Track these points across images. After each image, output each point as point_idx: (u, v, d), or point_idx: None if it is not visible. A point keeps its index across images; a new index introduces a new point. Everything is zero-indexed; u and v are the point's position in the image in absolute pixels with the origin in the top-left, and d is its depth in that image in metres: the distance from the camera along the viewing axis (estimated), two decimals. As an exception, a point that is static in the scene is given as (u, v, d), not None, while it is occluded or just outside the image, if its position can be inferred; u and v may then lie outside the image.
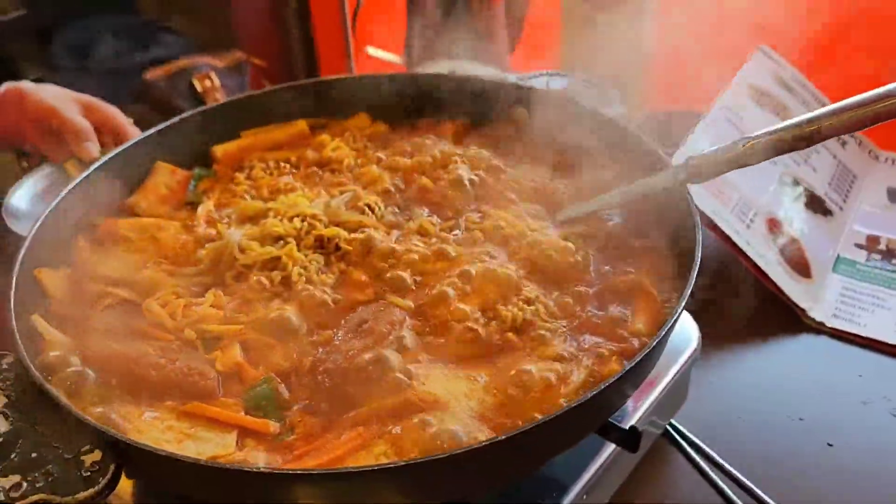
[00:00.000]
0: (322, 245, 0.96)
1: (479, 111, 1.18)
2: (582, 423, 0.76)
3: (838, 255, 1.36)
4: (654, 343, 0.72)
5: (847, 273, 1.32)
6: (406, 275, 0.90)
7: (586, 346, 0.82)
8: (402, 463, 0.64)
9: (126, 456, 0.68)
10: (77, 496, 0.64)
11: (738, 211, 1.30)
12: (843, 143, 1.56)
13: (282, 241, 0.95)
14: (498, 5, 1.72)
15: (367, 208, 1.01)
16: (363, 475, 0.63)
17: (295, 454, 0.73)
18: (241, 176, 1.12)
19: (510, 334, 0.83)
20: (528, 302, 0.86)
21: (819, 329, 1.22)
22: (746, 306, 1.25)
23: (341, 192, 1.04)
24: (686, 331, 1.05)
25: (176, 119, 1.15)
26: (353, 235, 0.96)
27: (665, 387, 0.98)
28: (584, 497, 0.88)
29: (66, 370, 0.80)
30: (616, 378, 0.71)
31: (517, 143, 1.13)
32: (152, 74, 2.31)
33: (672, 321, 0.74)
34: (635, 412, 0.93)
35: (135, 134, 1.28)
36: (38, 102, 1.23)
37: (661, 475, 1.03)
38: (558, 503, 0.86)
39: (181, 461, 0.64)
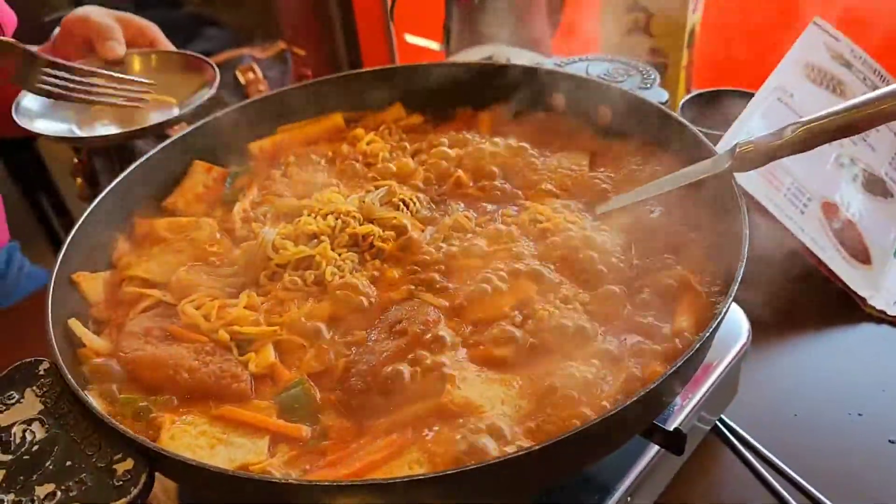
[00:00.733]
0: (357, 243, 0.94)
1: (516, 99, 1.15)
2: (623, 429, 0.73)
3: (900, 240, 1.29)
4: (698, 345, 0.68)
5: (910, 258, 1.25)
6: (442, 272, 0.88)
7: (627, 347, 0.78)
8: (434, 475, 0.62)
9: (158, 464, 0.67)
10: (109, 506, 0.64)
11: (791, 196, 1.24)
12: (905, 120, 1.48)
13: (316, 240, 0.94)
14: (537, -13, 1.67)
15: (401, 203, 0.99)
16: (394, 487, 0.61)
17: (328, 460, 0.71)
18: (276, 173, 1.11)
19: (546, 334, 0.80)
20: (566, 301, 0.83)
21: (880, 318, 1.16)
22: (801, 296, 1.19)
23: (376, 188, 1.02)
24: (735, 324, 1.01)
25: (210, 117, 1.14)
26: (387, 233, 0.94)
27: (713, 383, 0.94)
28: (629, 499, 0.86)
29: (106, 376, 0.80)
30: (657, 383, 0.67)
31: (555, 131, 1.09)
32: (195, 68, 2.33)
33: (717, 321, 0.71)
34: (681, 411, 0.89)
35: (168, 46, 1.31)
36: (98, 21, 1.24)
37: (711, 473, 0.99)
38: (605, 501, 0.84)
39: (209, 471, 0.64)
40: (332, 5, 2.69)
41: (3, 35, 1.32)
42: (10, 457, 0.68)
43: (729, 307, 0.72)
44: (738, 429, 1.03)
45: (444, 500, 0.66)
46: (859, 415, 1.03)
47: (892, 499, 0.93)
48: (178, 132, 1.15)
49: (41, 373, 0.75)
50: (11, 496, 0.65)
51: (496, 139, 1.08)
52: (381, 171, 1.08)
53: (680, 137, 0.97)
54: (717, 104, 1.47)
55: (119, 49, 1.23)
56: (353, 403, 0.77)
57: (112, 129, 1.17)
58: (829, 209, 1.28)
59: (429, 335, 0.80)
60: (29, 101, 1.19)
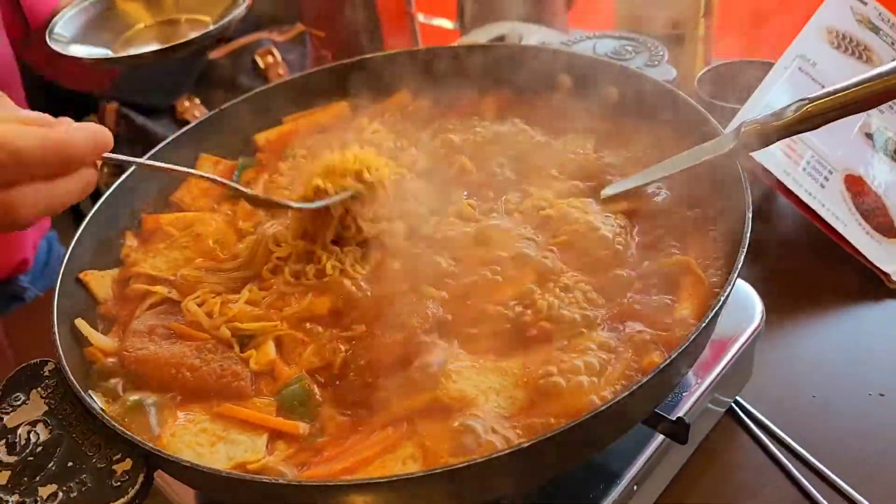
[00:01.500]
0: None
1: (521, 81, 1.13)
2: (622, 419, 0.73)
3: (928, 212, 1.24)
4: (693, 336, 0.67)
5: (938, 232, 1.21)
6: (442, 261, 0.87)
7: (627, 335, 0.77)
8: (422, 473, 0.62)
9: (156, 464, 0.68)
10: (107, 507, 0.66)
11: (810, 169, 1.20)
12: (936, 85, 1.42)
13: (319, 232, 0.93)
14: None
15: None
16: (396, 484, 0.61)
17: (324, 456, 0.72)
18: (283, 165, 1.11)
19: (545, 323, 0.79)
20: (566, 289, 0.81)
21: (904, 294, 1.13)
22: (821, 274, 1.16)
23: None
24: (748, 305, 0.98)
25: (216, 110, 1.14)
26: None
27: (725, 366, 0.92)
28: (635, 488, 0.85)
29: (111, 376, 0.82)
30: (652, 374, 0.66)
31: (561, 113, 1.07)
32: (215, 54, 2.34)
33: (714, 311, 0.69)
34: (690, 396, 0.88)
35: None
36: None
37: (725, 456, 0.98)
38: (610, 490, 0.84)
39: (203, 470, 0.64)
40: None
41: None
42: (15, 458, 0.70)
43: (728, 295, 0.70)
44: (753, 411, 1.01)
45: (443, 496, 0.67)
46: (881, 395, 1.00)
47: (916, 482, 0.91)
48: (193, 121, 1.15)
49: (46, 374, 0.77)
50: (16, 497, 0.67)
51: (501, 124, 1.07)
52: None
53: (686, 116, 0.94)
54: (737, 76, 1.43)
55: None
56: (350, 399, 0.77)
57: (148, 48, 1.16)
58: (853, 182, 1.23)
59: (426, 328, 0.80)
60: (62, 26, 1.18)
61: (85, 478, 0.68)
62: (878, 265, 1.14)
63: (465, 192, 0.99)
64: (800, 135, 1.19)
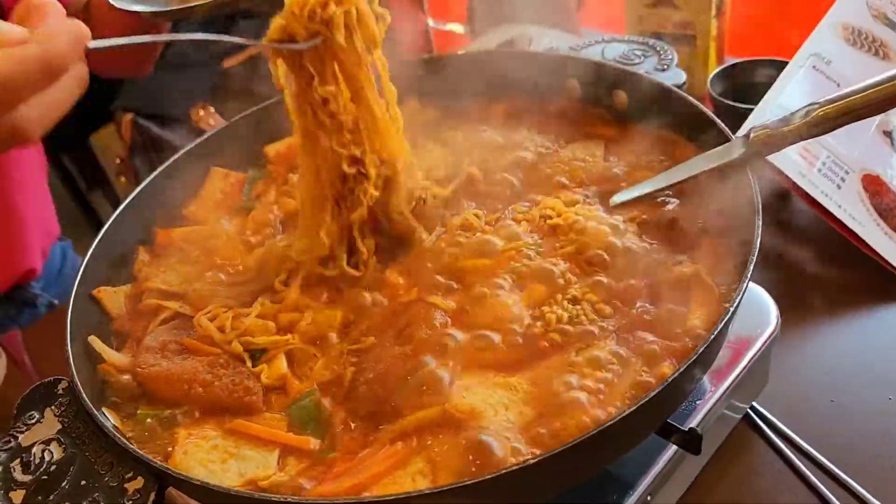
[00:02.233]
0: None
1: (530, 86, 1.12)
2: (633, 432, 0.72)
3: (948, 211, 1.22)
4: (702, 349, 0.66)
5: (958, 232, 1.19)
6: (449, 273, 0.87)
7: (637, 346, 0.76)
8: (431, 490, 0.62)
9: (167, 482, 0.69)
10: (119, 526, 0.66)
11: (826, 170, 1.18)
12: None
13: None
14: (560, -38, 1.63)
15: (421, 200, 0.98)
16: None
17: (334, 472, 0.72)
18: (293, 177, 1.11)
19: (555, 335, 0.79)
20: (575, 300, 0.81)
21: (924, 296, 1.11)
22: (838, 276, 1.14)
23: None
24: (763, 310, 0.97)
25: (226, 123, 1.15)
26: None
27: (740, 373, 0.92)
28: (649, 498, 0.84)
29: (124, 392, 0.83)
30: (663, 386, 0.66)
31: (570, 119, 1.07)
32: (230, 62, 2.35)
33: (723, 322, 0.68)
34: (704, 405, 0.88)
35: None
36: None
37: (742, 463, 0.97)
38: (623, 500, 0.83)
39: (214, 489, 0.65)
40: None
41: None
42: (30, 477, 0.71)
43: (738, 307, 0.69)
44: (770, 417, 1.00)
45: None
46: (898, 399, 0.99)
47: (936, 489, 0.89)
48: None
49: (60, 392, 0.78)
50: (30, 516, 0.68)
51: (508, 132, 1.06)
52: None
53: (696, 121, 0.93)
54: (750, 75, 1.42)
55: None
56: (360, 412, 0.77)
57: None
58: (871, 181, 1.22)
59: (435, 340, 0.80)
60: None
61: (97, 496, 0.68)
62: (896, 266, 1.13)
63: (473, 204, 0.98)
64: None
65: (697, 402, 0.88)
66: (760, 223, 0.76)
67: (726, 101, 1.30)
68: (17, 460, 0.72)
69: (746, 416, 1.00)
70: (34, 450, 0.73)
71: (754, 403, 1.00)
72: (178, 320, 0.92)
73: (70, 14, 0.69)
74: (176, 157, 1.10)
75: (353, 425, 0.77)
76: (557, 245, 0.88)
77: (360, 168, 0.89)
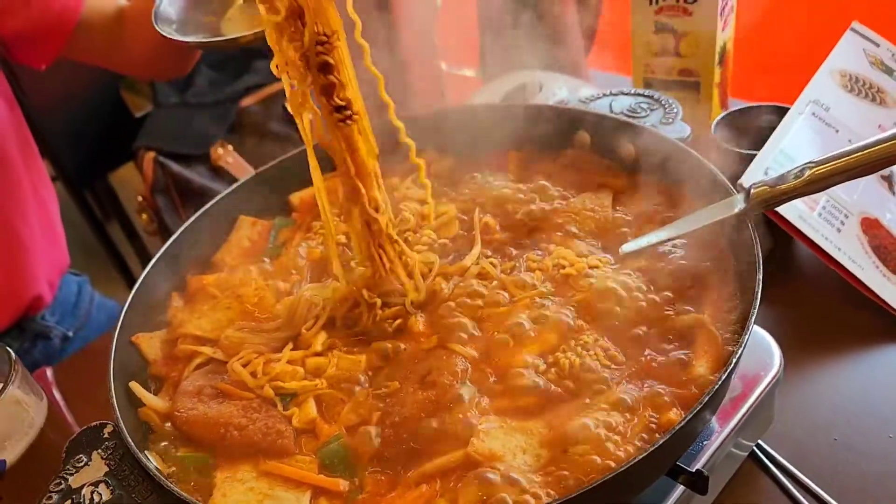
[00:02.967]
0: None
1: (542, 137, 1.18)
2: (642, 475, 0.77)
3: (946, 254, 1.27)
4: (705, 399, 0.71)
5: (956, 273, 1.23)
6: (467, 321, 0.93)
7: (645, 394, 0.81)
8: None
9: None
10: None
11: (826, 214, 1.23)
12: (950, 125, 1.44)
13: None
14: (569, 11, 1.69)
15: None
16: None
17: (363, 513, 0.77)
18: (317, 224, 1.16)
19: (569, 382, 0.84)
20: (587, 347, 0.86)
21: (923, 337, 1.15)
22: (839, 318, 1.19)
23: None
24: (766, 353, 1.01)
25: (253, 173, 1.21)
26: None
27: (744, 415, 0.95)
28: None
29: (164, 436, 0.88)
30: (670, 435, 0.71)
31: (580, 169, 1.12)
32: (247, 102, 2.43)
33: (726, 373, 0.73)
34: (710, 446, 0.92)
35: None
36: None
37: (748, 501, 1.01)
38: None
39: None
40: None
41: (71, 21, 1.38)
42: (80, 518, 0.76)
43: (740, 357, 0.74)
44: (775, 454, 1.04)
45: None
46: (901, 437, 1.03)
47: (939, 526, 0.93)
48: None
49: (105, 436, 0.83)
50: (81, 556, 0.73)
51: (521, 182, 1.12)
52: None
53: (700, 174, 0.98)
54: (753, 121, 1.47)
55: None
56: (386, 455, 0.82)
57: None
58: (869, 225, 1.26)
59: (456, 386, 0.85)
60: (165, 6, 1.21)
61: (144, 537, 0.73)
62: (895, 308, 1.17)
63: (488, 251, 1.04)
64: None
65: (704, 443, 0.92)
66: (761, 277, 0.81)
67: (730, 147, 1.35)
68: (69, 501, 0.77)
69: (752, 454, 1.04)
70: (83, 491, 0.78)
71: (760, 441, 1.05)
72: (212, 365, 0.97)
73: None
74: (207, 206, 1.16)
75: (380, 468, 0.82)
76: (570, 294, 0.93)
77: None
